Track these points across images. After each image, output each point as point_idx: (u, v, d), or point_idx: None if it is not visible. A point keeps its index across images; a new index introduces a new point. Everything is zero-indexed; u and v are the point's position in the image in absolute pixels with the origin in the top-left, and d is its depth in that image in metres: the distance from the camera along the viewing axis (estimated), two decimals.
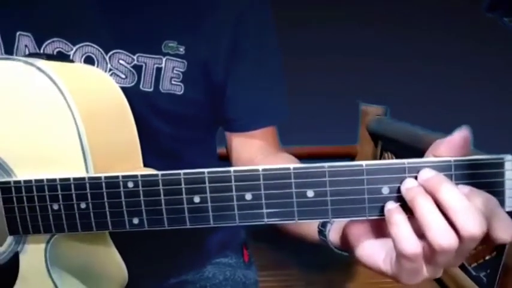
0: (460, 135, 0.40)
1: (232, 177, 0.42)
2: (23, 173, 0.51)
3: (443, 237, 0.37)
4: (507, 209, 0.40)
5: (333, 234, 0.52)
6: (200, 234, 0.79)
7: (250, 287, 0.81)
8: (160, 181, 0.44)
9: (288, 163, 0.69)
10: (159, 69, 0.65)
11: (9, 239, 0.53)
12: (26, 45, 0.63)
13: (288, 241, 1.22)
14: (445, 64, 2.05)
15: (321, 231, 0.53)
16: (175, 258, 0.75)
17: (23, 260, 0.53)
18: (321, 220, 0.53)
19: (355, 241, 0.45)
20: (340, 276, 1.17)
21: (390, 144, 1.44)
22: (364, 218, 0.42)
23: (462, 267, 1.05)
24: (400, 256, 0.39)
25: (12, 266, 0.53)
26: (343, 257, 0.49)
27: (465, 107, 1.85)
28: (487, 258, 0.97)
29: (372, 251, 0.44)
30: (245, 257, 0.85)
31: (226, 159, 0.78)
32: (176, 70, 0.66)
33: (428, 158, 0.41)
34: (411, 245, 0.38)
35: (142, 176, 0.44)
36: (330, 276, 1.17)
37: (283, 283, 1.15)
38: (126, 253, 0.58)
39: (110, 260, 0.57)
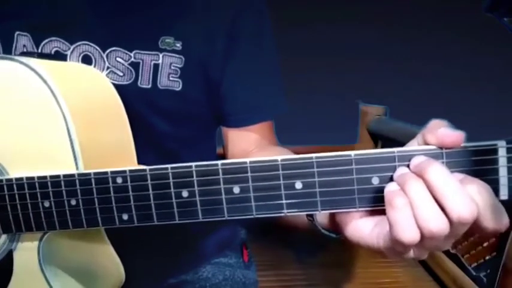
0: (456, 136, 0.38)
1: (220, 171, 0.42)
2: (16, 171, 0.51)
3: (433, 222, 0.36)
4: (501, 198, 0.38)
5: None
6: (199, 234, 0.78)
7: (249, 287, 0.81)
8: (148, 176, 0.44)
9: (283, 155, 0.69)
10: (156, 66, 0.64)
11: (3, 237, 0.53)
12: (24, 45, 0.63)
13: (288, 240, 1.21)
14: (445, 64, 2.05)
15: None
16: (174, 258, 0.74)
17: (17, 258, 0.53)
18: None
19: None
20: (340, 276, 1.16)
21: (390, 144, 1.43)
22: (355, 209, 0.41)
23: (462, 267, 1.04)
24: (394, 241, 0.38)
25: (6, 264, 0.53)
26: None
27: (465, 107, 1.85)
28: (487, 258, 0.96)
29: (360, 223, 0.42)
30: (245, 257, 0.85)
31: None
32: (174, 66, 0.65)
33: (418, 146, 0.40)
34: (411, 233, 0.36)
35: (130, 171, 0.44)
36: (330, 276, 1.16)
37: (283, 283, 1.14)
38: (125, 253, 0.58)
39: (106, 259, 0.57)
